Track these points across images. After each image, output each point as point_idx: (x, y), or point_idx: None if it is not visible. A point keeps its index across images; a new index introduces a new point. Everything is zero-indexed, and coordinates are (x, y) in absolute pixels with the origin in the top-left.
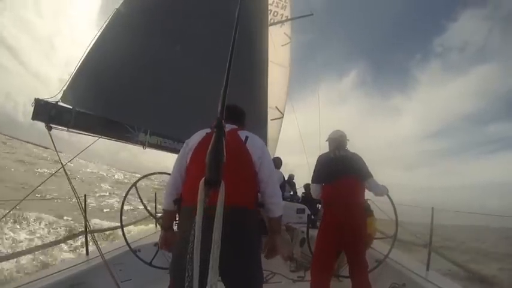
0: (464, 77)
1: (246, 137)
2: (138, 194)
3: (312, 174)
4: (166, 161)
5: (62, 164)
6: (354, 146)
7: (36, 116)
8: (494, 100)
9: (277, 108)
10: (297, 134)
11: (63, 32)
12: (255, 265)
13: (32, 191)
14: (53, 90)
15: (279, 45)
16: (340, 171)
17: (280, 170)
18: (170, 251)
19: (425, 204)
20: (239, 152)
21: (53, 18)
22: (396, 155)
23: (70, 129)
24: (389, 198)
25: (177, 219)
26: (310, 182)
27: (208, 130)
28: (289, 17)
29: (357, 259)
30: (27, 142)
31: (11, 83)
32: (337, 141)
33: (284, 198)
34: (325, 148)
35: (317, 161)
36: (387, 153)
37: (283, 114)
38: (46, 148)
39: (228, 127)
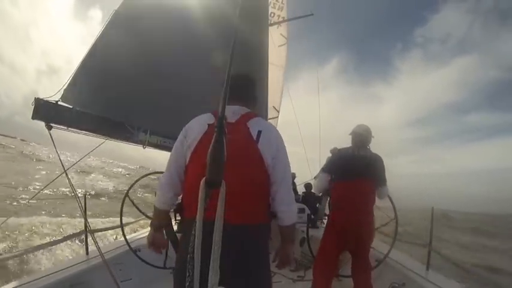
0: (446, 68)
1: (259, 132)
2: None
3: (307, 164)
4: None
5: (63, 168)
6: (336, 133)
7: (36, 115)
8: (474, 90)
9: (274, 108)
10: (286, 123)
11: (39, 22)
12: (265, 282)
13: (38, 192)
14: (29, 81)
15: (275, 46)
16: (357, 172)
17: None
18: (157, 252)
19: (407, 190)
20: (248, 156)
21: (29, 7)
22: (377, 141)
23: (70, 129)
24: (390, 199)
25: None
26: (309, 179)
27: (210, 120)
28: (285, 18)
29: (361, 260)
30: (4, 135)
31: None
32: (362, 136)
33: None
34: (324, 139)
35: (334, 154)
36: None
37: (278, 112)
38: (24, 141)
39: (235, 113)
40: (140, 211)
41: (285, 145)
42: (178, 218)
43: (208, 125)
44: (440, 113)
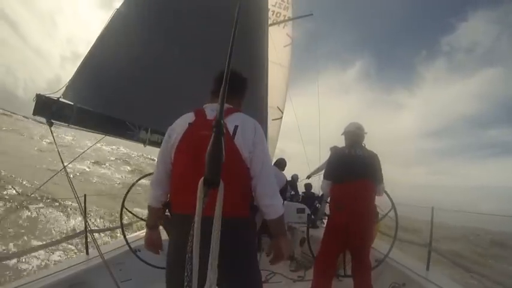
0: (469, 79)
1: (235, 127)
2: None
3: (308, 165)
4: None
5: (63, 164)
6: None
7: (37, 111)
8: (496, 105)
9: (279, 108)
10: (296, 121)
11: (64, 9)
12: (251, 276)
13: (34, 191)
14: (54, 66)
15: (281, 46)
16: (355, 173)
17: (283, 171)
18: (155, 252)
19: (420, 201)
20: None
21: None
22: (394, 150)
23: (71, 125)
24: (389, 197)
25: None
26: (309, 179)
27: (191, 119)
28: (287, 18)
29: (361, 259)
30: (26, 117)
31: (11, 58)
32: (354, 135)
33: (284, 199)
34: (325, 140)
35: (330, 155)
36: (384, 148)
37: (282, 113)
38: (41, 123)
39: (214, 110)
40: (136, 216)
41: (265, 138)
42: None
43: (189, 124)
44: (460, 125)
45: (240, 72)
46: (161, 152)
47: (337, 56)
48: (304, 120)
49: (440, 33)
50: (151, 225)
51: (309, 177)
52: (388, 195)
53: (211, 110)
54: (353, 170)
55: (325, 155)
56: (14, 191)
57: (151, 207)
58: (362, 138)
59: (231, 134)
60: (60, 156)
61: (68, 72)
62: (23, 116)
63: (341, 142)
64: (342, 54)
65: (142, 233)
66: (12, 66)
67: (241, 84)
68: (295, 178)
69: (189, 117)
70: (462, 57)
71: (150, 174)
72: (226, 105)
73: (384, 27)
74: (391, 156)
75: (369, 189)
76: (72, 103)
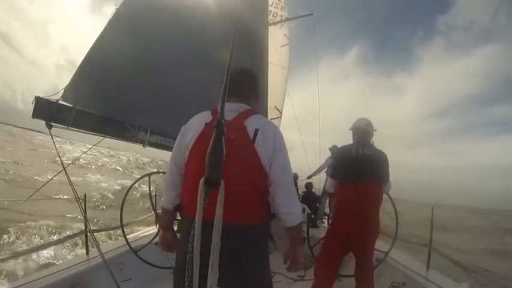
0: (469, 57)
1: (256, 131)
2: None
3: (307, 162)
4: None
5: (63, 165)
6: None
7: (36, 114)
8: (499, 82)
9: (277, 108)
10: (298, 111)
11: (56, 18)
12: (264, 282)
13: (34, 192)
14: (51, 76)
15: (278, 47)
16: (362, 174)
17: None
18: (170, 251)
19: (426, 182)
20: (244, 155)
21: (45, 3)
22: (397, 133)
23: (70, 128)
24: (390, 197)
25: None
26: (310, 179)
27: (207, 119)
28: (286, 18)
29: (364, 261)
30: (26, 129)
31: (7, 72)
32: (363, 132)
33: None
34: (329, 129)
35: (336, 154)
36: (388, 132)
37: (281, 113)
38: (41, 132)
39: (233, 110)
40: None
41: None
42: (178, 217)
43: (206, 123)
44: (463, 104)
45: (248, 67)
46: (174, 152)
47: (334, 42)
48: (307, 108)
49: (435, 13)
50: (165, 227)
51: (309, 177)
52: (389, 196)
53: (229, 111)
54: (358, 170)
55: (326, 149)
56: None
57: (164, 208)
58: (371, 135)
59: (251, 137)
60: (59, 157)
61: (64, 80)
62: (20, 127)
63: (342, 132)
64: (338, 40)
65: (143, 233)
66: (8, 79)
67: (254, 82)
68: (294, 177)
69: (205, 117)
70: (460, 36)
71: (148, 174)
72: (245, 107)
73: (377, 10)
74: (395, 140)
75: (374, 189)
76: (71, 105)
